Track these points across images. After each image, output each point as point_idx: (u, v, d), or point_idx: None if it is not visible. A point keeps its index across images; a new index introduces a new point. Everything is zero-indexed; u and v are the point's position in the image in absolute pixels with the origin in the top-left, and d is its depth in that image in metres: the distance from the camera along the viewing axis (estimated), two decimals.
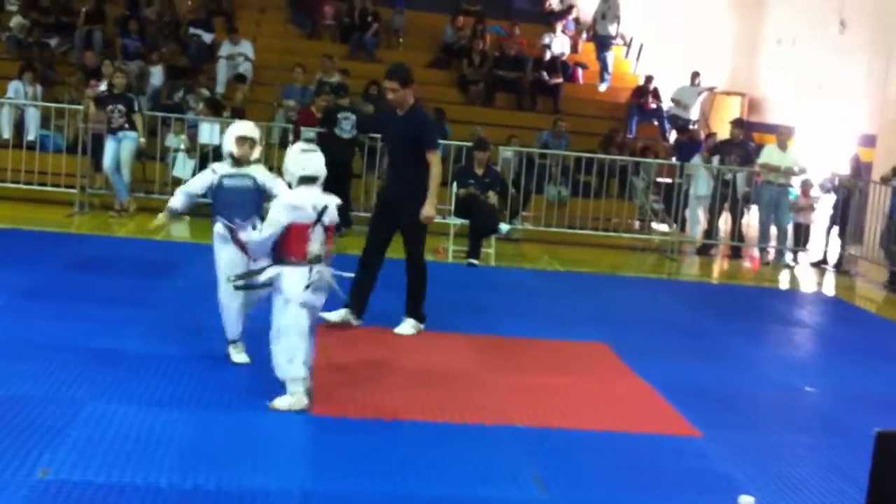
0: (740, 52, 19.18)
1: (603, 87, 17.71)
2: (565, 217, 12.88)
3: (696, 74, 17.21)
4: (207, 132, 12.40)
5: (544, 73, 16.68)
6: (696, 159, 13.35)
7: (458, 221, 10.97)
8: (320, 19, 17.45)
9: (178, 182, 12.18)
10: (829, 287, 11.86)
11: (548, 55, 16.98)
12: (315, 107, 12.49)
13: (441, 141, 13.11)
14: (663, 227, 13.63)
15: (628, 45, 19.52)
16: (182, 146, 12.40)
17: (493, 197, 10.99)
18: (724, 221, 13.73)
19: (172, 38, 15.76)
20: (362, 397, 5.76)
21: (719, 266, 12.85)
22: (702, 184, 13.19)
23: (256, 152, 6.06)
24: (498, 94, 16.56)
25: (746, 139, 14.15)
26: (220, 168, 6.05)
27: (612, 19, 18.14)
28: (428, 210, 7.10)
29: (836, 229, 12.97)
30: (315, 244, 5.33)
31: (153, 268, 8.78)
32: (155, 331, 6.68)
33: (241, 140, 5.98)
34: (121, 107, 11.40)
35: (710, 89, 17.90)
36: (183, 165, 12.32)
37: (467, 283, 9.62)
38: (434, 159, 7.16)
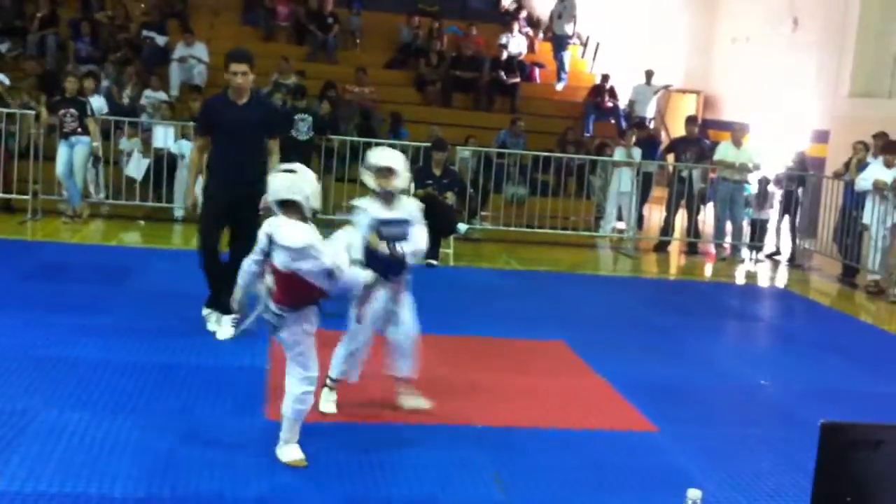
0: (695, 50, 19.35)
1: (560, 87, 17.80)
2: (524, 216, 12.93)
3: (650, 73, 17.36)
4: (162, 136, 12.27)
5: (501, 73, 16.73)
6: (619, 154, 13.33)
7: None
8: (275, 21, 17.36)
9: (130, 182, 12.11)
10: (785, 281, 12.00)
11: (504, 55, 17.03)
12: None
13: (399, 142, 13.23)
14: (621, 225, 13.71)
15: (585, 45, 19.65)
16: (136, 149, 12.28)
17: (451, 197, 11.00)
18: (682, 218, 13.84)
19: (125, 41, 15.60)
20: (318, 400, 5.73)
21: (676, 262, 12.95)
22: (625, 179, 13.20)
23: (399, 181, 5.30)
24: (455, 94, 16.57)
25: (702, 136, 14.28)
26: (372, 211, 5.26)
27: (569, 19, 18.24)
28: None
29: (787, 221, 13.17)
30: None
31: (107, 274, 8.67)
32: (109, 337, 6.60)
33: (378, 171, 5.29)
34: (73, 111, 11.24)
35: (666, 87, 18.06)
36: (137, 165, 12.19)
37: (426, 284, 9.46)
38: (276, 147, 7.01)
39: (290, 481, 4.55)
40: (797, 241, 13.19)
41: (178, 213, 11.86)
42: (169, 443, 4.85)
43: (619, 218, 13.74)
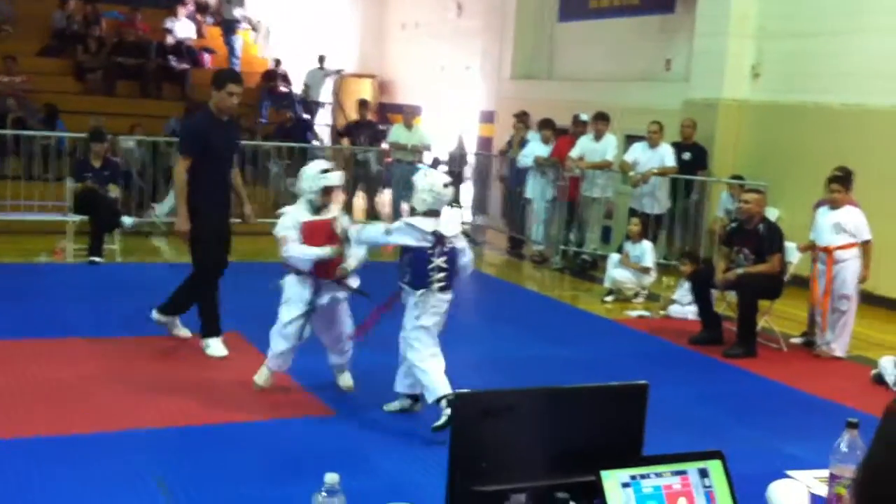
0: (368, 35, 19.64)
1: None
2: None
3: (322, 57, 17.36)
4: None
5: (170, 59, 16.02)
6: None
7: (77, 218, 10.20)
8: None
9: None
10: None
11: (171, 40, 16.32)
12: None
13: (53, 133, 12.26)
14: None
15: (256, 29, 19.30)
16: None
17: (114, 190, 10.35)
18: (361, 200, 13.96)
19: None
20: None
21: None
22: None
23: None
24: (120, 81, 15.64)
25: (382, 120, 14.48)
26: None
27: (238, 2, 17.81)
28: None
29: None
30: None
31: None
32: None
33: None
34: None
35: (338, 72, 18.15)
36: None
37: (90, 284, 8.97)
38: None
39: None
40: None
41: None
42: None
43: None
